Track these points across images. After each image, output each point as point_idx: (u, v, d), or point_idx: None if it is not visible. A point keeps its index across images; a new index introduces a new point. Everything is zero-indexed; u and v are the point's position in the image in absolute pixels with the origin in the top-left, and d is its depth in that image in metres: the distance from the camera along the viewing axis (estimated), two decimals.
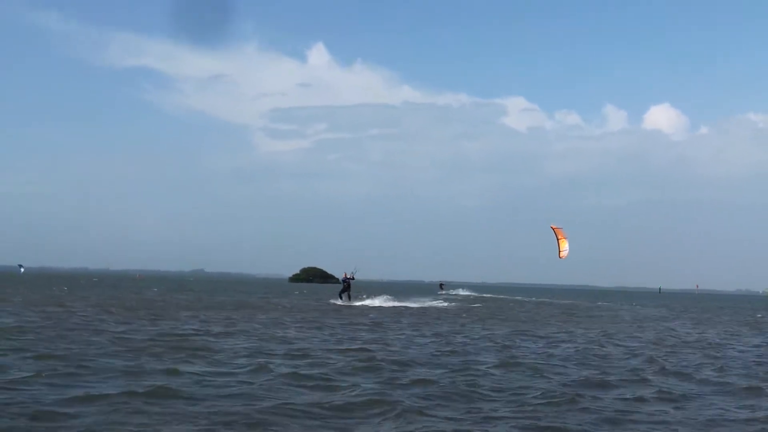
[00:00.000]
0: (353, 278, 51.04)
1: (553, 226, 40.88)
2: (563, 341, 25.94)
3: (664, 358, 21.12)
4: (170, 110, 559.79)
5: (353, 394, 13.09)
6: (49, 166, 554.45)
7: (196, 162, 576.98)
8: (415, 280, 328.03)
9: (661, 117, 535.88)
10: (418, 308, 48.07)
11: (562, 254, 40.39)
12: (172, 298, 53.82)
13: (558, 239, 40.44)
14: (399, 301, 57.37)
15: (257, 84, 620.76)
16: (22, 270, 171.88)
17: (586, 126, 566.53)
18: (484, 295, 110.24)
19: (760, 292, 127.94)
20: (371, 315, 39.39)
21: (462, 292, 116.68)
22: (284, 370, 15.65)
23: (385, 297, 56.17)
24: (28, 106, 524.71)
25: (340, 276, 54.09)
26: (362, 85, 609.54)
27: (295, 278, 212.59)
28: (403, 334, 26.95)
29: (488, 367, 17.33)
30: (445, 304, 60.11)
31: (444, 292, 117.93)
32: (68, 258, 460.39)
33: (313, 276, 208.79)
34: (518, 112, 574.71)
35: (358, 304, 50.81)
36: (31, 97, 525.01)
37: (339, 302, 50.82)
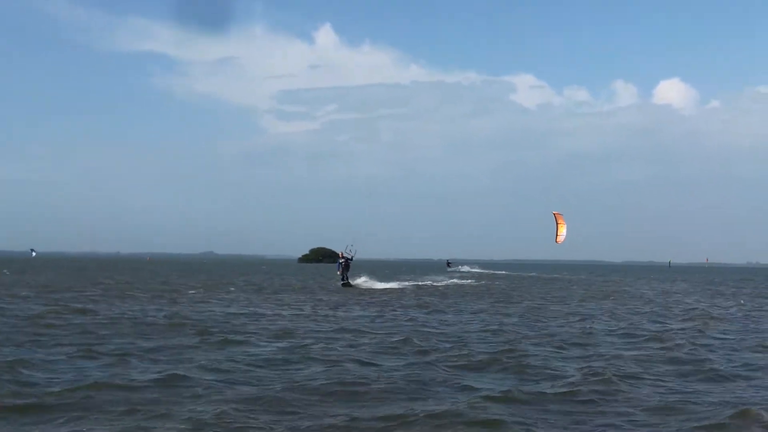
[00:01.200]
0: (351, 258, 46.23)
1: (555, 212, 42.47)
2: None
3: None
4: (179, 94, 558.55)
5: None
6: (60, 152, 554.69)
7: (205, 145, 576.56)
8: (424, 258, 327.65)
9: (671, 91, 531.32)
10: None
11: (559, 239, 42.02)
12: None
13: (557, 224, 42.04)
14: (419, 280, 57.19)
15: (265, 66, 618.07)
16: (34, 254, 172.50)
17: (595, 102, 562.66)
18: (498, 272, 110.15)
19: None
20: (406, 297, 39.23)
21: (469, 269, 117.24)
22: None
23: (364, 278, 49.23)
24: (36, 93, 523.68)
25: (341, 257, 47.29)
26: (370, 65, 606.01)
27: (305, 259, 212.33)
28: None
29: None
30: (467, 281, 59.18)
31: (452, 269, 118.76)
32: (78, 242, 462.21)
33: (322, 256, 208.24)
34: (527, 89, 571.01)
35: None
36: (39, 84, 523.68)
37: (339, 284, 46.68)
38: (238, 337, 17.69)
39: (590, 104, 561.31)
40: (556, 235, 42.22)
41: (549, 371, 13.59)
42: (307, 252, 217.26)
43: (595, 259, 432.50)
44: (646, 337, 19.42)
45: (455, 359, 14.79)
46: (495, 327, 21.49)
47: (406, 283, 53.26)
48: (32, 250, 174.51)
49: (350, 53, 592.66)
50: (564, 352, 16.46)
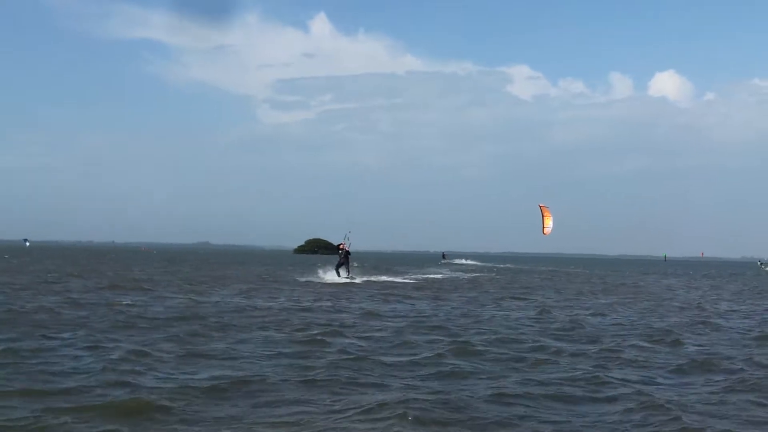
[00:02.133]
0: (348, 249, 43.45)
1: (541, 205, 43.13)
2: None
3: None
4: (173, 82, 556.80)
5: None
6: (53, 141, 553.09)
7: (199, 134, 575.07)
8: (421, 251, 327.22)
9: (667, 84, 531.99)
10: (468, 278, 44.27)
11: (545, 230, 42.86)
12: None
13: (543, 216, 42.68)
14: (422, 273, 56.31)
15: (260, 55, 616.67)
16: (27, 244, 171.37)
17: (591, 94, 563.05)
18: (499, 265, 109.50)
19: (758, 263, 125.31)
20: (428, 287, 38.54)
21: (464, 261, 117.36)
22: None
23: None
24: (30, 81, 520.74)
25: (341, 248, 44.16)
26: (366, 54, 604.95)
27: (300, 250, 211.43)
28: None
29: None
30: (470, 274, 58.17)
31: (446, 261, 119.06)
32: (72, 232, 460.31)
33: (317, 247, 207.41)
34: (523, 81, 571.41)
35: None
36: (32, 71, 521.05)
37: (337, 279, 42.34)
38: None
39: (586, 96, 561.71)
40: (543, 227, 42.79)
41: None
42: (302, 243, 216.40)
43: (589, 253, 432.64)
44: None
45: None
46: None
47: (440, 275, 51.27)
48: (25, 239, 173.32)
49: (345, 42, 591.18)
50: None
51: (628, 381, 12.11)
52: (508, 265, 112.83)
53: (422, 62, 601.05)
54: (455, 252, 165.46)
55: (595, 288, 43.47)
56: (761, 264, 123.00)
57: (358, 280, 42.50)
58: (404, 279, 48.20)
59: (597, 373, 12.55)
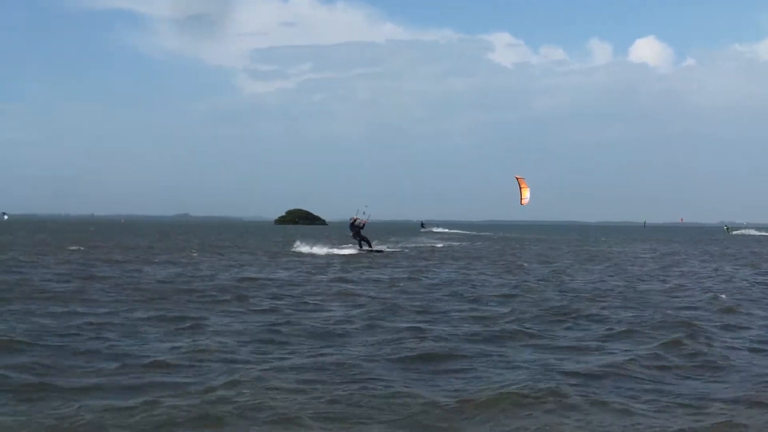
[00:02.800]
0: (363, 224, 42.04)
1: (517, 176, 44.43)
2: None
3: None
4: (148, 52, 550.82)
5: None
6: (29, 112, 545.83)
7: (176, 105, 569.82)
8: (401, 220, 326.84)
9: (647, 50, 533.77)
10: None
11: (523, 201, 44.05)
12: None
13: (520, 188, 44.04)
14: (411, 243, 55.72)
15: (237, 24, 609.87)
16: (6, 217, 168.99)
17: (572, 61, 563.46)
18: (482, 233, 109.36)
19: (725, 227, 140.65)
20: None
21: (442, 230, 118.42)
22: None
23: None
24: (2, 53, 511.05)
25: (348, 220, 42.26)
26: (345, 23, 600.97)
27: (281, 220, 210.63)
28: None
29: None
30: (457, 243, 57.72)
31: (426, 229, 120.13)
32: (51, 205, 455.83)
33: (298, 218, 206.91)
34: (504, 48, 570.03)
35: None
36: (4, 43, 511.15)
37: (359, 249, 41.78)
38: None
39: (566, 63, 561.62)
40: (521, 198, 44.04)
41: None
42: (283, 214, 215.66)
43: (570, 220, 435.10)
44: None
45: None
46: None
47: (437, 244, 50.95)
48: (3, 213, 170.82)
49: (324, 11, 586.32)
50: None
51: None
52: (488, 233, 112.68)
53: (402, 30, 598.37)
54: (434, 221, 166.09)
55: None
56: (727, 228, 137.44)
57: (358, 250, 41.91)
58: (406, 247, 48.14)
59: None
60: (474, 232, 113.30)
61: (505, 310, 16.79)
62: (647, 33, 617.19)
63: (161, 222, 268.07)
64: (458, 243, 63.45)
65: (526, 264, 34.69)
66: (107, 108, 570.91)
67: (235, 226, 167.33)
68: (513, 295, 19.94)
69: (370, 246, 42.49)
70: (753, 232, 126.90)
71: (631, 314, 16.12)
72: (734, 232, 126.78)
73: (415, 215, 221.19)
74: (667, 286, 23.76)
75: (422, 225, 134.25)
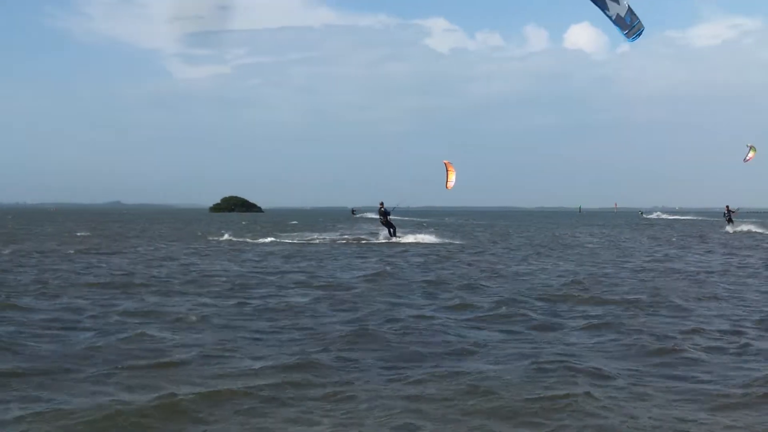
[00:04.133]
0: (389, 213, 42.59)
1: (445, 161, 45.28)
2: None
3: None
4: (78, 36, 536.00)
5: None
6: None
7: (108, 90, 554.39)
8: (337, 207, 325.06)
9: (582, 36, 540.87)
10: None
11: (449, 185, 44.65)
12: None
13: (447, 171, 44.69)
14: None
15: (171, 6, 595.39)
16: None
17: (508, 46, 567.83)
18: (423, 220, 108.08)
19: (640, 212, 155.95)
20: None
21: (371, 215, 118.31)
22: None
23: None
24: None
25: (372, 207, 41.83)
26: (280, 6, 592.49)
27: (216, 208, 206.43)
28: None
29: None
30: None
31: (357, 215, 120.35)
32: None
33: (234, 205, 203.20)
34: (440, 34, 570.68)
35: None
36: None
37: (393, 239, 41.72)
38: None
39: (503, 49, 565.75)
40: (447, 181, 44.70)
41: None
42: (218, 201, 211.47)
43: (507, 206, 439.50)
44: None
45: None
46: None
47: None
48: None
49: None
50: None
51: None
52: (427, 219, 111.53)
53: (337, 15, 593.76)
54: (364, 207, 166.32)
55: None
56: (642, 213, 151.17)
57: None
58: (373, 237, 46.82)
59: None
60: (409, 218, 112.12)
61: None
62: (582, 19, 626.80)
63: (93, 210, 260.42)
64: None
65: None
66: (36, 93, 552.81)
67: (176, 214, 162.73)
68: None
69: (394, 232, 42.50)
70: (663, 216, 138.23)
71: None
72: (647, 216, 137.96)
73: (348, 202, 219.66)
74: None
75: (353, 211, 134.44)
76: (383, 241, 41.44)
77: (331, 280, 20.22)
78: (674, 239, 47.59)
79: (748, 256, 30.75)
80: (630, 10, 16.16)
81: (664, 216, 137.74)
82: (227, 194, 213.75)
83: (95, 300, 15.57)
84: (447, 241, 42.51)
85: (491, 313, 14.14)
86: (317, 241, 41.77)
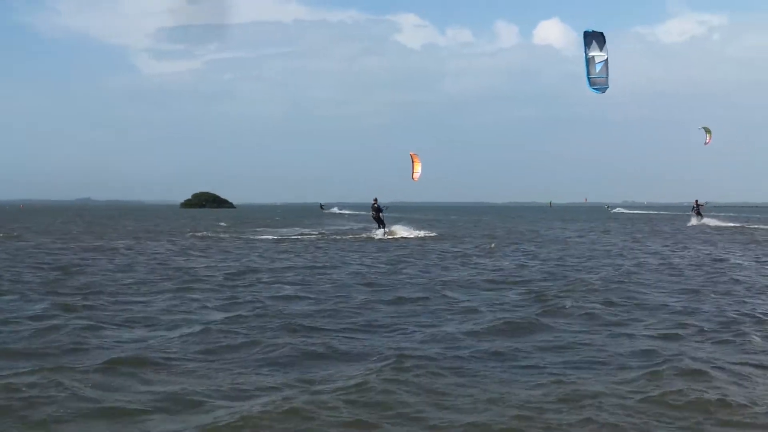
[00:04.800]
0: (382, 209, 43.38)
1: (411, 153, 45.94)
2: None
3: None
4: (46, 31, 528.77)
5: None
6: None
7: (77, 86, 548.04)
8: (308, 202, 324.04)
9: (551, 32, 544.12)
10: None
11: (414, 176, 45.14)
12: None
13: (413, 163, 45.19)
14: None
15: (141, 1, 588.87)
16: None
17: (478, 42, 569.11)
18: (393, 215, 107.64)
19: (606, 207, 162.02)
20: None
21: (342, 211, 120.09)
22: None
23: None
24: None
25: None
26: (251, 2, 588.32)
27: (187, 204, 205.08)
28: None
29: None
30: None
31: (326, 211, 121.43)
32: None
33: (205, 201, 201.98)
34: (411, 29, 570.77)
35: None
36: None
37: (382, 235, 41.96)
38: None
39: (474, 45, 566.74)
40: (413, 172, 45.20)
41: None
42: (189, 197, 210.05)
43: (477, 201, 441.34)
44: None
45: None
46: None
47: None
48: None
49: None
50: None
51: None
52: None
53: (308, 10, 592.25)
54: (332, 203, 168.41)
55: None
56: (608, 207, 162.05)
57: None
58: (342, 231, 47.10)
59: None
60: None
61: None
62: (551, 15, 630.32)
63: (63, 206, 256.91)
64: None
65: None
66: (3, 88, 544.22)
67: (155, 211, 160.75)
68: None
69: (384, 227, 42.77)
70: (623, 210, 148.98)
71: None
72: (612, 211, 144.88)
73: (319, 197, 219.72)
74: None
75: (321, 207, 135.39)
76: (388, 237, 40.77)
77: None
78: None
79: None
80: (606, 66, 16.44)
81: (624, 210, 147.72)
82: (197, 190, 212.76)
83: None
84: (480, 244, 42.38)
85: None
86: (349, 237, 41.63)
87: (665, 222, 73.01)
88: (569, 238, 41.65)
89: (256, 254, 27.86)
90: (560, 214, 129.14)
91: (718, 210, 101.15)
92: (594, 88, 16.93)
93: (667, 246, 33.16)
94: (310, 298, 15.37)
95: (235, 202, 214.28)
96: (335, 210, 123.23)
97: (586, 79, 16.74)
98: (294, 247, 32.68)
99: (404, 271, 21.31)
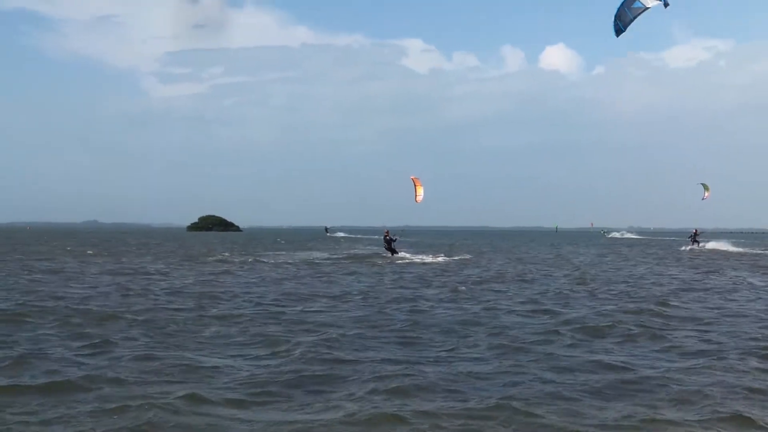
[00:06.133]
0: (395, 239, 44.81)
1: (413, 177, 46.35)
2: None
3: None
4: (53, 55, 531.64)
5: None
6: None
7: (84, 109, 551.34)
8: (313, 226, 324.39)
9: (557, 57, 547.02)
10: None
11: (417, 198, 45.63)
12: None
13: (415, 186, 45.72)
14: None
15: (147, 25, 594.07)
16: None
17: (485, 67, 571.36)
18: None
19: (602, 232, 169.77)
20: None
21: (346, 235, 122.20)
22: None
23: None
24: None
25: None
26: (256, 26, 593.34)
27: (194, 227, 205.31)
28: None
29: None
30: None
31: (330, 234, 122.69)
32: None
33: (212, 224, 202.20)
34: (417, 54, 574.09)
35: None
36: None
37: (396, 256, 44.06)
38: None
39: (480, 70, 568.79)
40: (416, 195, 45.54)
41: None
42: (195, 220, 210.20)
43: (483, 225, 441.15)
44: None
45: None
46: None
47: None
48: None
49: (234, 14, 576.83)
50: None
51: None
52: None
53: (315, 35, 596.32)
54: (337, 227, 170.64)
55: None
56: (604, 232, 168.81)
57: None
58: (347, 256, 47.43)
59: None
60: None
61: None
62: (557, 40, 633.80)
63: (72, 229, 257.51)
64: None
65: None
66: (11, 111, 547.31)
67: (165, 234, 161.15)
68: None
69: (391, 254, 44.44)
70: (617, 235, 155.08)
71: None
72: (609, 236, 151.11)
73: (324, 221, 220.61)
74: None
75: (326, 230, 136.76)
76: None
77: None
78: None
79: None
80: (642, 11, 16.11)
81: (617, 235, 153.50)
82: (203, 213, 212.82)
83: None
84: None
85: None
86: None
87: (658, 246, 78.40)
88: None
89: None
90: (567, 238, 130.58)
91: (718, 237, 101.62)
92: (617, 21, 16.35)
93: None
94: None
95: (241, 226, 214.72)
96: (339, 234, 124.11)
97: (617, 7, 16.04)
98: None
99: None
